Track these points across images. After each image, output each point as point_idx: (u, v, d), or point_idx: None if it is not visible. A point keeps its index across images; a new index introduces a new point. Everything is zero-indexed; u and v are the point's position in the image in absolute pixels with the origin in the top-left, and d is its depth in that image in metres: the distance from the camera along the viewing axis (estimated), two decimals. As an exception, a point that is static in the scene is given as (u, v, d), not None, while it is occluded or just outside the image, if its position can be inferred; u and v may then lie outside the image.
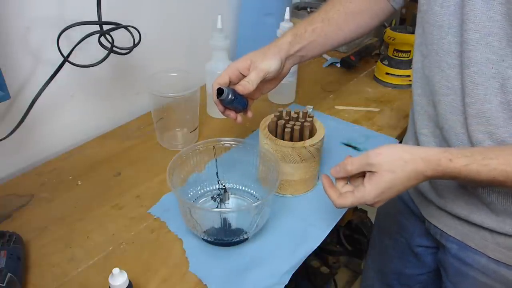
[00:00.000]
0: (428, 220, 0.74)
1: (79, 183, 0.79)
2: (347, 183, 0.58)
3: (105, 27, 0.72)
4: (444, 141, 0.64)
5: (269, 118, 0.76)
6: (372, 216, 1.35)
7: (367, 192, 0.53)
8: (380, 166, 0.53)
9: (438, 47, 0.60)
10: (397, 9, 0.77)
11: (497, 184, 0.51)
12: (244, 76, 0.68)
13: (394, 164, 0.52)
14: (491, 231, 0.62)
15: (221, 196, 0.75)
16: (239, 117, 0.72)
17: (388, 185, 0.53)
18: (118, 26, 0.73)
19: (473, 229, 0.65)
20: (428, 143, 0.68)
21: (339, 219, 0.73)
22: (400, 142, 0.94)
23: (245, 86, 0.66)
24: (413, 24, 0.88)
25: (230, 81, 0.69)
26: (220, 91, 0.66)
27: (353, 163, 0.55)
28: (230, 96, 0.66)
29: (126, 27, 0.74)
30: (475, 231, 0.64)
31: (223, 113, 0.70)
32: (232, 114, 0.71)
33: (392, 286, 0.94)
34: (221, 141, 0.73)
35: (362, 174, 0.56)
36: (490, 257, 0.64)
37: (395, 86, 1.15)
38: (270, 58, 0.69)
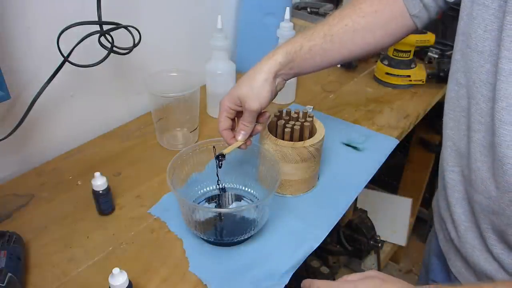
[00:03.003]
0: None
1: (79, 183, 0.79)
2: None
3: (105, 27, 0.72)
4: (471, 185, 0.58)
5: (269, 118, 0.76)
6: (372, 216, 1.35)
7: None
8: None
9: (476, 76, 0.53)
10: (420, 28, 0.68)
11: None
12: (240, 108, 0.66)
13: None
14: None
15: (221, 195, 0.75)
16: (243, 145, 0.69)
17: None
18: (118, 26, 0.73)
19: None
20: (455, 186, 0.63)
21: (339, 219, 0.73)
22: (400, 142, 0.94)
23: (245, 136, 0.66)
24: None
25: (232, 119, 0.67)
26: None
27: None
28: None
29: (126, 27, 0.74)
30: None
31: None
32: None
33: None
34: (221, 141, 0.73)
35: None
36: None
37: (395, 86, 1.15)
38: (259, 93, 0.63)
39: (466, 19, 0.55)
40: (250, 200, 0.75)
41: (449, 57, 1.18)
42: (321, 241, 0.68)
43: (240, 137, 0.66)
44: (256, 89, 0.63)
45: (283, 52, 0.64)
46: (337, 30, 0.66)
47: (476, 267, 0.63)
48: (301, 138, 0.73)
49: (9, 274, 0.55)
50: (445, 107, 0.63)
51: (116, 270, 0.52)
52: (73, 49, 0.71)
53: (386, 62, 1.15)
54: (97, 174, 0.69)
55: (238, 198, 0.76)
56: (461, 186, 0.62)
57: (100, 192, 0.69)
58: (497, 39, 0.49)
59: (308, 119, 0.75)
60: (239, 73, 1.00)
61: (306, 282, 0.58)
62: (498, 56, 0.48)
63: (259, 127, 0.68)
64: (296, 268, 0.64)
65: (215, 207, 0.74)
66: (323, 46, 0.66)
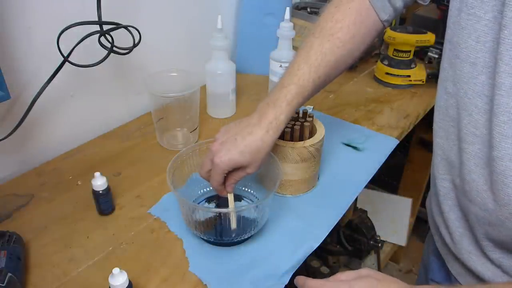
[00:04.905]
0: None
1: (79, 183, 0.79)
2: None
3: (105, 27, 0.72)
4: (464, 196, 0.57)
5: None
6: (372, 216, 1.35)
7: None
8: None
9: (468, 87, 0.52)
10: (387, 27, 0.71)
11: None
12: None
13: None
14: None
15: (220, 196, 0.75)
16: None
17: None
18: (118, 26, 0.73)
19: None
20: (447, 194, 0.63)
21: (339, 219, 0.73)
22: (400, 142, 0.94)
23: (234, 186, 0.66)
24: (413, 23, 0.86)
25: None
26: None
27: None
28: None
29: (126, 27, 0.74)
30: None
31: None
32: None
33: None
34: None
35: None
36: None
37: (395, 86, 1.15)
38: (262, 162, 0.64)
39: (453, 27, 0.54)
40: (250, 200, 0.75)
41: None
42: (321, 241, 0.68)
43: (230, 188, 0.66)
44: (261, 160, 0.63)
45: (285, 118, 0.63)
46: (323, 70, 0.66)
47: (474, 271, 0.62)
48: (301, 138, 0.73)
49: (9, 274, 0.55)
50: (435, 114, 0.62)
51: (116, 270, 0.52)
52: (73, 49, 0.71)
53: (386, 62, 1.15)
54: (97, 174, 0.69)
55: (238, 198, 0.76)
56: (453, 193, 0.62)
57: (100, 192, 0.69)
58: (492, 51, 0.48)
59: (308, 119, 0.75)
60: (239, 73, 1.00)
61: (299, 280, 0.57)
62: (496, 70, 0.47)
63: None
64: (296, 268, 0.64)
65: (215, 207, 0.74)
66: (314, 89, 0.67)
